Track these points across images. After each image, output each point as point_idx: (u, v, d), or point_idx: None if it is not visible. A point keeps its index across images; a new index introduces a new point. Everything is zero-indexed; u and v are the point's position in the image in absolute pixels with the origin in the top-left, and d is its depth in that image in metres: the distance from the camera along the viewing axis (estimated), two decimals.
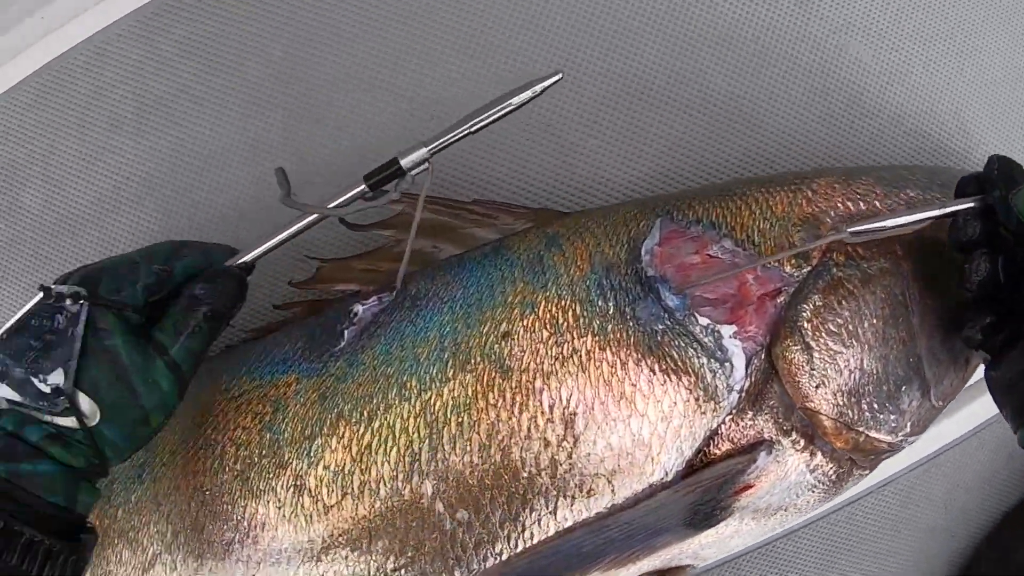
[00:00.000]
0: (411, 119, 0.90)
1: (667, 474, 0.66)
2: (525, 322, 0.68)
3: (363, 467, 0.68)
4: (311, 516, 0.68)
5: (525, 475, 0.66)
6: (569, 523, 0.66)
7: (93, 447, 0.62)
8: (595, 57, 0.89)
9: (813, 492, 0.69)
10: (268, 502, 0.69)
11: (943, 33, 0.90)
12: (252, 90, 0.92)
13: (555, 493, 0.66)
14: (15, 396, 0.61)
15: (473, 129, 0.68)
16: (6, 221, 0.97)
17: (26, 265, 0.96)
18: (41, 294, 0.63)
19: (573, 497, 0.66)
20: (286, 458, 0.70)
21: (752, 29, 0.89)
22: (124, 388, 0.63)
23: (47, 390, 0.61)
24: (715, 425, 0.66)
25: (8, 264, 0.97)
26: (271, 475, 0.70)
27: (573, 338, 0.67)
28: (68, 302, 0.63)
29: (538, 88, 0.67)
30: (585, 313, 0.68)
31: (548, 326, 0.68)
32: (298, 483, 0.69)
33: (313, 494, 0.68)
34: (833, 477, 0.69)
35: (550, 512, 0.66)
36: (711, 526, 0.67)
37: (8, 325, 0.64)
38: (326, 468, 0.68)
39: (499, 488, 0.66)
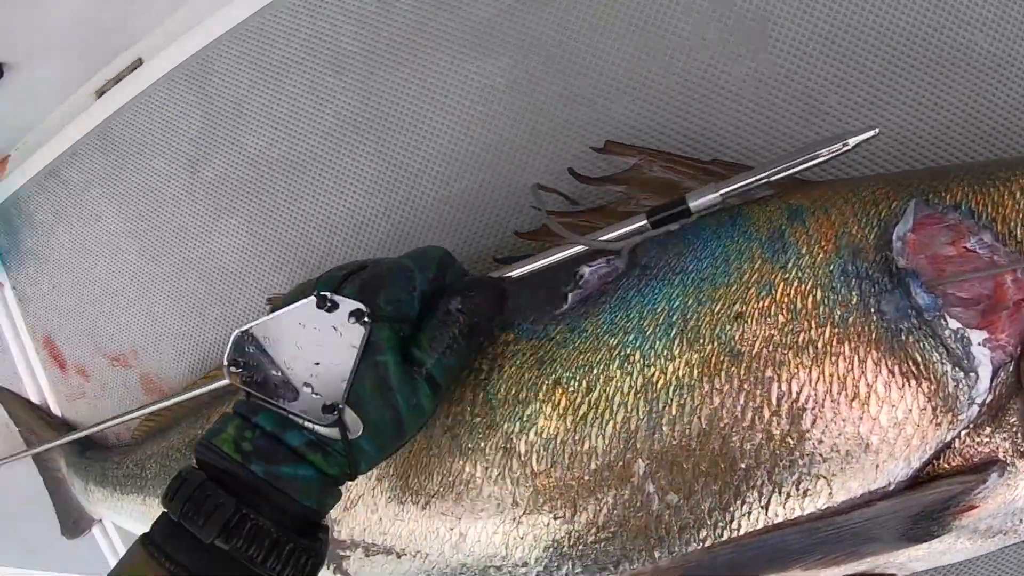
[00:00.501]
0: (646, 61, 0.85)
1: (890, 484, 0.62)
2: (760, 304, 0.64)
3: (576, 438, 0.66)
4: (517, 480, 0.68)
5: (742, 466, 0.63)
6: (780, 519, 0.63)
7: (350, 458, 0.63)
8: (845, 9, 0.81)
9: None
10: (475, 461, 0.69)
11: None
12: (480, 31, 0.89)
13: (770, 488, 0.63)
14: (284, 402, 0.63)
15: (772, 177, 0.64)
16: (227, 160, 0.99)
17: (246, 203, 0.99)
18: (314, 299, 0.63)
19: (788, 495, 0.62)
20: (497, 419, 0.69)
21: None
22: (387, 406, 0.63)
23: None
24: (949, 438, 0.61)
25: (229, 201, 0.99)
26: (481, 435, 0.70)
27: (810, 327, 0.63)
28: (350, 320, 0.62)
29: (851, 142, 0.62)
30: (826, 301, 0.63)
31: (785, 311, 0.64)
32: (508, 446, 0.68)
33: (522, 459, 0.68)
34: None
35: (762, 507, 0.63)
36: (925, 541, 0.63)
37: (271, 317, 0.64)
38: (538, 435, 0.67)
39: (713, 476, 0.63)
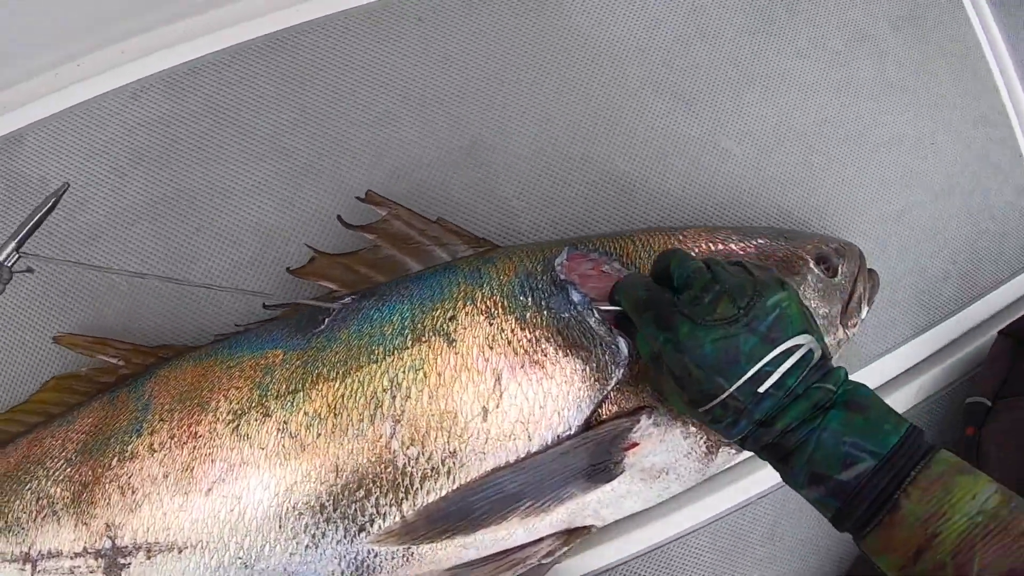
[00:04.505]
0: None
1: (570, 427, 0.85)
2: (467, 309, 0.88)
3: (336, 412, 0.85)
4: (290, 454, 0.85)
5: (463, 419, 0.84)
6: (494, 463, 0.84)
7: None
8: (530, 141, 1.13)
9: (689, 459, 0.89)
10: (254, 444, 0.85)
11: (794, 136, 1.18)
12: (259, 144, 1.11)
13: (484, 436, 0.84)
14: None
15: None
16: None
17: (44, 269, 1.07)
18: None
19: (498, 439, 0.84)
20: (272, 408, 0.86)
21: (649, 127, 1.15)
22: None
23: None
24: (605, 391, 0.86)
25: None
26: (258, 422, 0.86)
27: (503, 320, 0.87)
28: None
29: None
30: (511, 304, 0.89)
31: (483, 312, 0.88)
32: (281, 427, 0.85)
33: (294, 435, 0.85)
34: (704, 448, 0.89)
35: (480, 452, 0.84)
36: (608, 480, 0.86)
37: None
38: (306, 414, 0.85)
39: (442, 429, 0.84)
